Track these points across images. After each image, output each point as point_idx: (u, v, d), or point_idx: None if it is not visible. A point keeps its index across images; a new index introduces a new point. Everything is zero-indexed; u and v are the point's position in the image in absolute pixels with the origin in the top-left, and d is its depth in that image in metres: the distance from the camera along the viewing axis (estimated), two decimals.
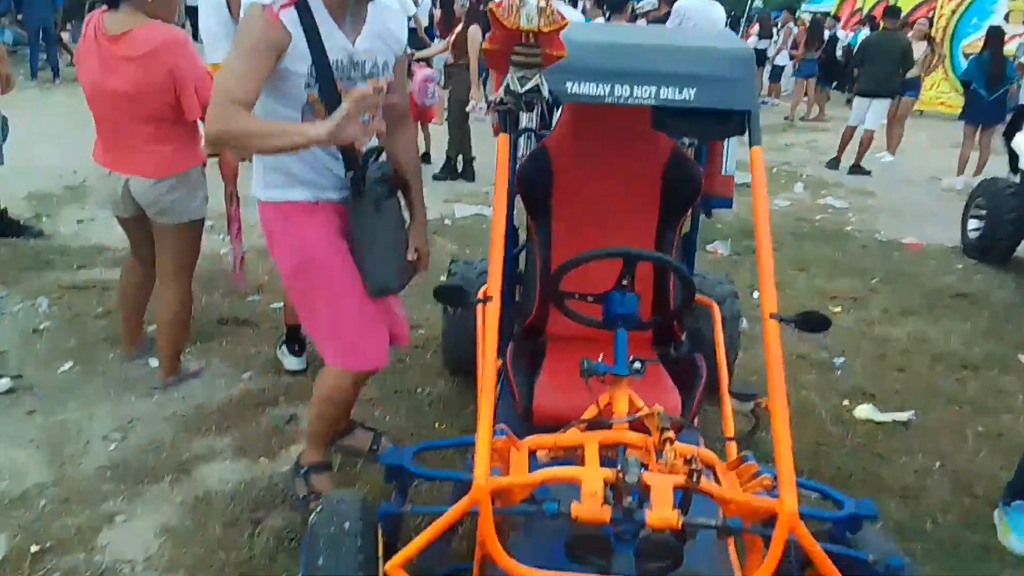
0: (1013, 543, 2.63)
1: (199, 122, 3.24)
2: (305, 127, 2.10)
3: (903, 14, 15.87)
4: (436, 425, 3.26)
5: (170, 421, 3.16)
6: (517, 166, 2.90)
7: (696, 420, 2.64)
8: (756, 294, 5.00)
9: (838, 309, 4.81)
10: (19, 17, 12.40)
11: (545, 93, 2.08)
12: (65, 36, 12.94)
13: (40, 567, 2.30)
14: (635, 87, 2.22)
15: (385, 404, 3.37)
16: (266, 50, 2.09)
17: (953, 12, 14.46)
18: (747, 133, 2.26)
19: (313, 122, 2.13)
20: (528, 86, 2.05)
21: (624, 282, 2.24)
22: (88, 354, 3.64)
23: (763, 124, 9.28)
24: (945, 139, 11.44)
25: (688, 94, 2.22)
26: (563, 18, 2.00)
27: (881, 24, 9.45)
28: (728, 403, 2.63)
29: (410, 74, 7.95)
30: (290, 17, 2.11)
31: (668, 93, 2.22)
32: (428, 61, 8.28)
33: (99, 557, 2.37)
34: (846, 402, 3.63)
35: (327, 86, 2.19)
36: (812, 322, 1.98)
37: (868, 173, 9.09)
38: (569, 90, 2.23)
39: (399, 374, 3.61)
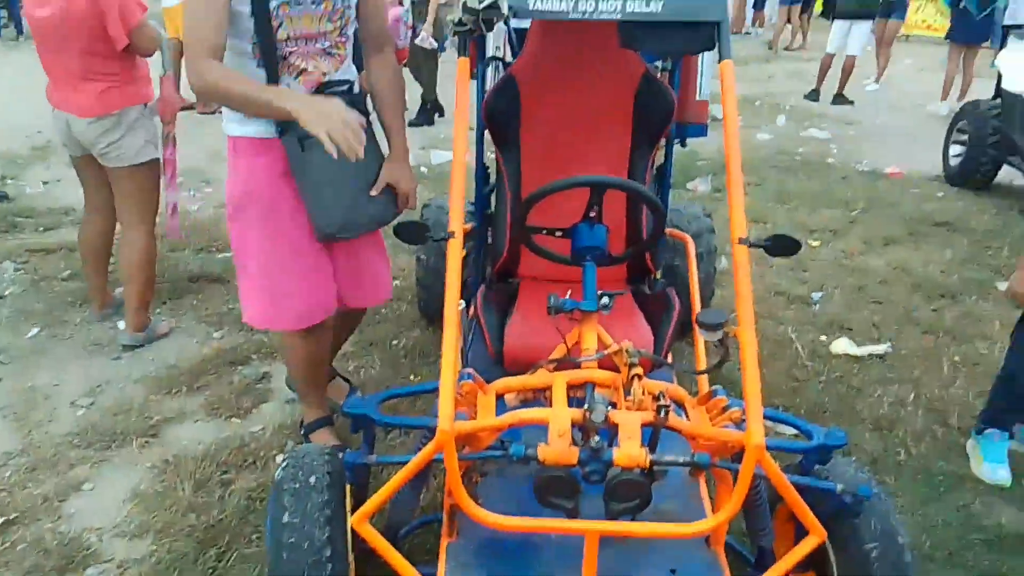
0: (985, 472, 2.63)
1: (139, 59, 3.18)
2: (284, 99, 1.98)
3: None
4: (412, 376, 3.23)
5: (140, 383, 3.11)
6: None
7: (670, 356, 2.61)
8: None
9: (817, 243, 4.76)
10: None
11: (504, 9, 1.98)
12: None
13: (6, 539, 2.27)
14: (600, 2, 2.12)
15: (360, 357, 3.33)
16: None
17: None
18: (717, 47, 2.17)
19: (291, 92, 2.07)
20: (486, 2, 1.96)
21: (592, 213, 2.17)
22: (55, 318, 3.59)
23: (746, 55, 9.16)
24: (932, 63, 11.28)
25: (655, 6, 2.11)
26: None
27: None
28: (699, 335, 2.59)
29: None
30: None
31: (634, 6, 2.12)
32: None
33: (66, 526, 2.34)
34: (823, 337, 3.60)
35: (260, 20, 2.09)
36: (782, 246, 1.93)
37: (851, 103, 8.95)
38: (531, 6, 2.12)
39: (374, 326, 3.57)
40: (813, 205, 5.43)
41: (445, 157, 6.41)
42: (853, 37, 8.79)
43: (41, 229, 4.63)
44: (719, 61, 2.08)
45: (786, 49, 13.08)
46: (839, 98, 8.97)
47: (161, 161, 3.35)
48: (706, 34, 2.16)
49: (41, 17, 3.01)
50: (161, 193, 3.39)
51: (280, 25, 2.12)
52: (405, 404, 2.82)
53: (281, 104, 1.96)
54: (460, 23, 1.99)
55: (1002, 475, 2.62)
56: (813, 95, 9.19)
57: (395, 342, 3.45)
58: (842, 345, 3.50)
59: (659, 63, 3.05)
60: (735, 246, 1.84)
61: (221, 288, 3.94)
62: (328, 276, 2.39)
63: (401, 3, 7.77)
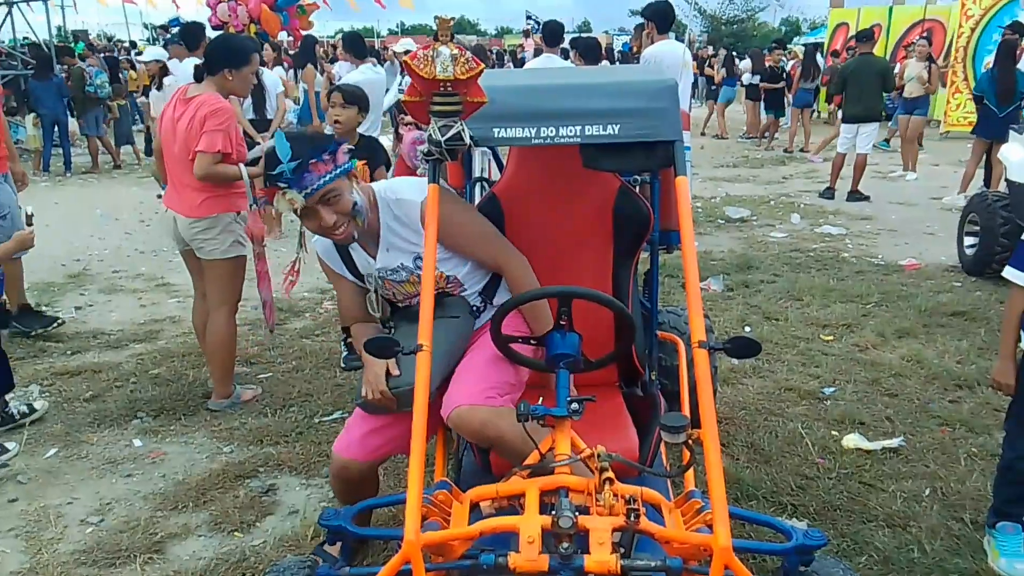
0: (1003, 567, 2.52)
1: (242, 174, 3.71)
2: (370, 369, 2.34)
3: (901, 35, 16.04)
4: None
5: (148, 499, 3.16)
6: None
7: (661, 457, 2.60)
8: (748, 328, 4.96)
9: (830, 337, 4.73)
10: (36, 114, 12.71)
11: (467, 140, 2.11)
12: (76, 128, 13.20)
13: None
14: (560, 127, 2.25)
15: None
16: (334, 274, 2.56)
17: (972, 30, 14.48)
18: (672, 164, 2.26)
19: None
20: (450, 134, 2.08)
21: (562, 322, 2.22)
22: (73, 438, 3.67)
23: (762, 157, 9.35)
24: (951, 158, 11.40)
25: (612, 129, 2.24)
26: (479, 64, 2.03)
27: (856, 49, 9.50)
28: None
29: (399, 138, 8.11)
30: (324, 247, 2.50)
31: (593, 129, 2.25)
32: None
33: None
34: (835, 433, 3.54)
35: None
36: (742, 347, 1.95)
37: (867, 198, 9.03)
38: (496, 135, 2.27)
39: None
40: (826, 300, 5.42)
41: None
42: (861, 137, 8.97)
43: (69, 353, 4.80)
44: (674, 178, 2.18)
45: (802, 151, 13.32)
46: (854, 195, 9.06)
47: (253, 264, 3.95)
48: (662, 153, 2.27)
49: (168, 136, 3.71)
50: (244, 283, 3.95)
51: (392, 293, 2.50)
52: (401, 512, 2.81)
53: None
54: (428, 153, 2.12)
55: (1020, 569, 2.51)
56: (828, 193, 9.30)
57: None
58: (854, 440, 3.44)
59: (638, 176, 3.16)
60: (695, 350, 1.88)
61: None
62: (369, 427, 2.42)
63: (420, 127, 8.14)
